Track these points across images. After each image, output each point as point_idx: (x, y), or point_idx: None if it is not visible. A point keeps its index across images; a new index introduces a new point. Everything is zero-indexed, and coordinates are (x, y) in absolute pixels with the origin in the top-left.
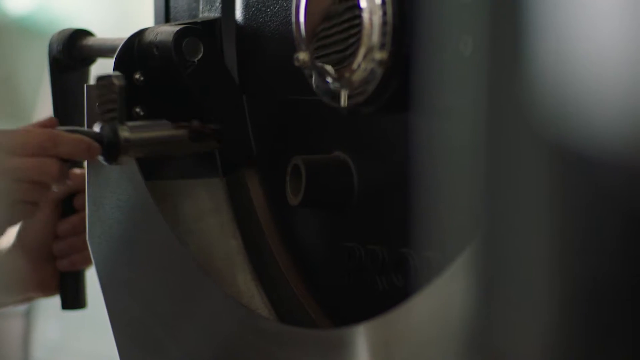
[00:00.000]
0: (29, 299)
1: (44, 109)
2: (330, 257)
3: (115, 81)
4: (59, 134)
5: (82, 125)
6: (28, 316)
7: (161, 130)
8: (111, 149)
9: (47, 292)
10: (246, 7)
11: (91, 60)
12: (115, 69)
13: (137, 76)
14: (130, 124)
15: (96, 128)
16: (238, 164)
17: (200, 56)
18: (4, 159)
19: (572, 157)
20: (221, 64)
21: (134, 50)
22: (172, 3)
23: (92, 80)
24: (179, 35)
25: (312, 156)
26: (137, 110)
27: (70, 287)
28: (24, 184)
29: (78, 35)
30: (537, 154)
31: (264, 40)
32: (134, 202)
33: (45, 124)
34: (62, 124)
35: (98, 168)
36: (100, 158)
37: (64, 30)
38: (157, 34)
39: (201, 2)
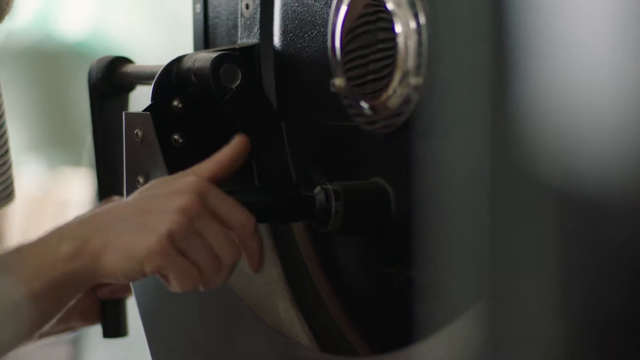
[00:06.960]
0: (70, 329)
1: None
2: (369, 284)
3: None
4: None
5: (121, 152)
6: (76, 344)
7: None
8: None
9: (88, 321)
10: (284, 32)
11: (131, 87)
12: (153, 96)
13: (175, 103)
14: None
15: None
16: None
17: (238, 83)
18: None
19: (574, 203)
20: (260, 90)
21: (172, 77)
22: (211, 30)
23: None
24: (216, 62)
25: (350, 182)
26: (176, 137)
27: (111, 316)
28: None
29: (117, 62)
30: (537, 199)
31: (302, 66)
32: None
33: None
34: (100, 152)
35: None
36: None
37: (103, 58)
38: (195, 61)
39: (240, 29)
